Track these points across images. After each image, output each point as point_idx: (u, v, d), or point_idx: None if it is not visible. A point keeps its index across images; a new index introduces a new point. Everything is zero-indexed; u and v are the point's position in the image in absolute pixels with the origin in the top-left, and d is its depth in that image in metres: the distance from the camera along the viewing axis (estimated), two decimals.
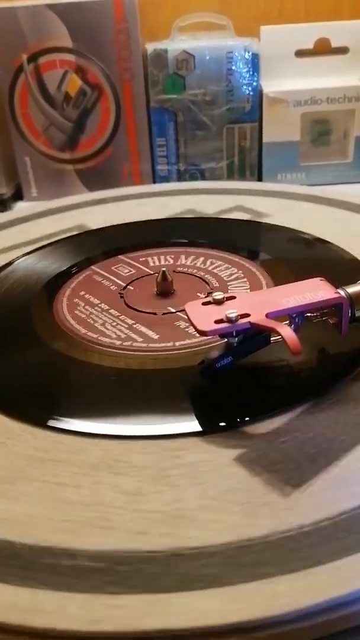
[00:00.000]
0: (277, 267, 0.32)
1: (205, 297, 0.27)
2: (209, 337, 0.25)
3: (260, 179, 0.54)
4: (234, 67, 0.50)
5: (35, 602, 0.16)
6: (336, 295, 0.23)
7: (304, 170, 0.53)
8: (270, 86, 0.51)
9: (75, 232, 0.40)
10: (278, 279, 0.31)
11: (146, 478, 0.19)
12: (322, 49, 0.54)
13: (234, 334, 0.22)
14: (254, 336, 0.23)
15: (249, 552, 0.17)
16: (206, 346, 0.26)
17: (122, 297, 0.31)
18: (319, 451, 0.20)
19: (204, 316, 0.22)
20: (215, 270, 0.33)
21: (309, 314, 0.24)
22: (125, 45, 0.49)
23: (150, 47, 0.50)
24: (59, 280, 0.33)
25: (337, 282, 0.24)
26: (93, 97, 0.51)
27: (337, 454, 0.20)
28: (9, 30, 0.49)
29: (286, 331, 0.20)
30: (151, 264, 0.34)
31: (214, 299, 0.23)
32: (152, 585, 0.16)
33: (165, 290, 0.30)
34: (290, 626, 0.15)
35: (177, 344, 0.26)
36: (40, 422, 0.22)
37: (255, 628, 0.15)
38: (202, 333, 0.22)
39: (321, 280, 0.24)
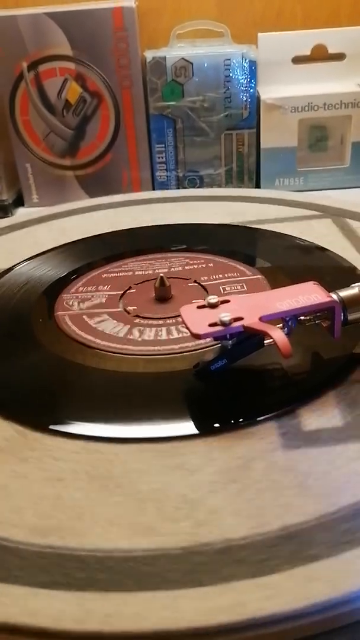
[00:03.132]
0: (276, 273, 0.33)
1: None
2: (205, 340, 0.25)
3: (258, 185, 0.54)
4: (231, 74, 0.50)
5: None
6: (329, 299, 0.24)
7: (301, 176, 0.54)
8: (268, 92, 0.52)
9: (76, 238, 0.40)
10: (276, 285, 0.31)
11: (140, 479, 0.20)
12: (319, 55, 0.54)
13: (228, 337, 0.23)
14: (248, 339, 0.23)
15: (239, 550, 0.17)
16: (203, 349, 0.26)
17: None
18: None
19: (198, 319, 0.23)
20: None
21: (302, 318, 0.24)
22: (124, 53, 0.50)
23: (149, 54, 0.51)
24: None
25: (335, 288, 0.24)
26: (93, 104, 0.52)
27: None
28: (9, 38, 0.49)
29: (277, 334, 0.21)
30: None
31: (208, 303, 0.23)
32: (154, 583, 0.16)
33: (163, 295, 0.31)
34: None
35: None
36: (41, 426, 0.23)
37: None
38: (196, 336, 0.22)
39: (314, 284, 0.24)
